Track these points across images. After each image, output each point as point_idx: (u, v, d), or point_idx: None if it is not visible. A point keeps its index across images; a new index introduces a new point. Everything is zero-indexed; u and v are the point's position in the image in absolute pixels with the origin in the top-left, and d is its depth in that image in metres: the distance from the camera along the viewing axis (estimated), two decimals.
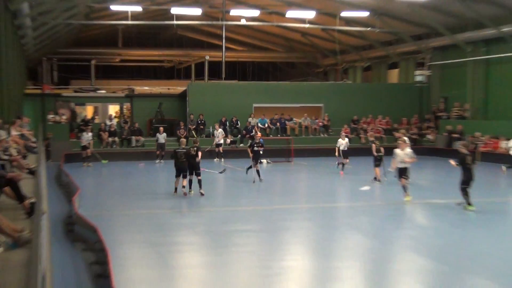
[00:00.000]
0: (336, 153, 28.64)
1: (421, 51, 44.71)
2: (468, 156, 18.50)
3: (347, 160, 28.48)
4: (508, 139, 31.37)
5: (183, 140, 23.73)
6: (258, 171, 25.18)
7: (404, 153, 20.41)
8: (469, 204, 18.08)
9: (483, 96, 39.89)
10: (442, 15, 38.79)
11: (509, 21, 35.79)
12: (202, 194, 20.96)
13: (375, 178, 25.53)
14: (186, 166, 20.83)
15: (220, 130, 36.95)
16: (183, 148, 21.20)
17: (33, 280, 4.61)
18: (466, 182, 18.15)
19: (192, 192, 21.36)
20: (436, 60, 44.05)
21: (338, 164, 28.82)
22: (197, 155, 21.74)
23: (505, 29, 35.73)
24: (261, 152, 25.87)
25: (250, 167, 26.01)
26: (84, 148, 32.88)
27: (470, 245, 14.64)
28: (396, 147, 20.77)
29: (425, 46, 43.81)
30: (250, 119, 40.35)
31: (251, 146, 25.72)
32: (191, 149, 21.04)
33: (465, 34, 39.29)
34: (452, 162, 19.24)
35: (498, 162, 33.25)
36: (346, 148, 29.18)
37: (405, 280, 11.77)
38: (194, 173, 21.30)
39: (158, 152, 34.84)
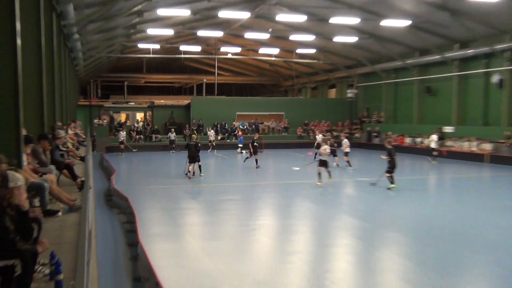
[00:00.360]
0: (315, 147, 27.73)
1: (350, 76, 45.01)
2: (392, 150, 18.06)
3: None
4: (429, 136, 31.62)
5: (194, 136, 23.18)
6: (256, 160, 24.67)
7: (323, 148, 19.25)
8: (392, 183, 17.45)
9: (392, 107, 40.33)
10: (365, 51, 39.06)
11: (411, 56, 36.16)
12: (201, 176, 20.86)
13: (337, 165, 24.65)
14: (196, 154, 20.49)
15: (212, 131, 37.48)
16: (194, 142, 20.84)
17: (82, 234, 4.60)
18: (391, 168, 17.63)
19: (201, 174, 21.07)
20: (361, 82, 44.43)
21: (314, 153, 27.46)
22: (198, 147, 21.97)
23: (408, 61, 36.16)
24: (256, 145, 24.96)
25: (247, 157, 26.01)
26: (121, 143, 33.25)
27: (385, 209, 14.63)
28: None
29: (353, 72, 44.11)
30: (234, 123, 41.05)
31: (252, 142, 24.94)
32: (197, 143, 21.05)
33: (380, 65, 39.69)
34: (383, 156, 18.49)
35: (404, 152, 33.71)
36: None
37: (340, 234, 11.77)
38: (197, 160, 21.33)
39: (171, 145, 35.18)
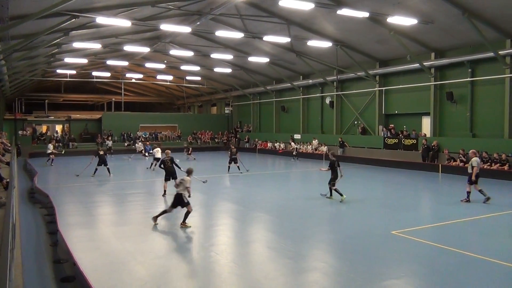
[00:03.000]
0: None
1: (227, 97, 45.45)
2: (336, 161, 13.60)
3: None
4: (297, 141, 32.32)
5: (168, 151, 15.43)
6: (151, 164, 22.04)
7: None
8: (341, 195, 13.19)
9: (258, 120, 41.40)
10: (237, 79, 39.78)
11: (270, 83, 37.33)
12: (109, 174, 19.50)
13: (238, 168, 21.12)
14: (173, 170, 14.63)
15: (110, 140, 35.35)
16: (169, 157, 14.84)
17: (6, 226, 4.18)
18: (333, 179, 13.49)
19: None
20: (235, 102, 45.02)
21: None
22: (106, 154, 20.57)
23: (268, 87, 37.22)
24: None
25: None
26: (50, 154, 26.73)
27: (254, 196, 14.81)
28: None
29: (229, 95, 44.61)
30: (138, 132, 39.49)
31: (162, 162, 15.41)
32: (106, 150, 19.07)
33: (248, 90, 40.58)
34: (323, 168, 14.74)
35: (266, 154, 34.67)
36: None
37: (221, 216, 11.73)
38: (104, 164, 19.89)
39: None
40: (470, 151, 13.90)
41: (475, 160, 13.18)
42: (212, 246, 8.41)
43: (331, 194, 13.75)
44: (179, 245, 8.57)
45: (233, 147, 22.98)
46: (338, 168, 13.56)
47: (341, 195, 13.22)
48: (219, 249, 8.19)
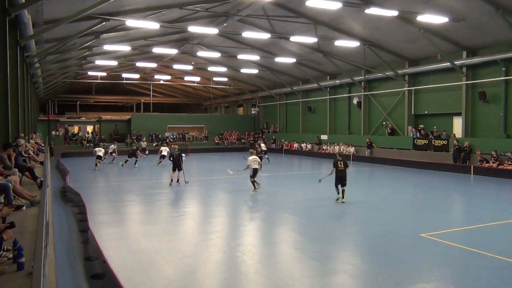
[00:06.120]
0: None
1: (254, 98, 45.55)
2: (340, 161, 13.24)
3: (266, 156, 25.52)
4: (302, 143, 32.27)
5: (176, 146, 18.90)
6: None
7: (252, 158, 15.36)
8: (338, 193, 13.17)
9: (284, 121, 41.30)
10: (264, 80, 39.80)
11: (296, 84, 37.25)
12: (186, 182, 17.47)
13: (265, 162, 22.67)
14: (180, 163, 16.97)
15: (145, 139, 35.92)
16: (178, 152, 17.31)
17: (41, 224, 4.33)
18: (338, 179, 13.15)
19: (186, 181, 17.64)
20: (261, 103, 45.05)
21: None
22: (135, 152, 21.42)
23: (295, 87, 37.19)
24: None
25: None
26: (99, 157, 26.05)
27: (280, 197, 14.50)
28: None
29: (256, 95, 44.73)
30: (166, 133, 40.03)
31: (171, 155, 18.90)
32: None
33: (275, 90, 40.54)
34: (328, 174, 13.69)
35: (293, 154, 34.60)
36: (265, 148, 26.96)
37: (248, 216, 11.72)
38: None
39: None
40: None
41: None
42: (239, 246, 8.45)
43: (341, 195, 13.14)
44: (205, 245, 8.65)
45: (257, 146, 24.38)
46: (344, 168, 13.08)
47: (339, 193, 13.09)
48: (245, 249, 8.22)
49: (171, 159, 17.37)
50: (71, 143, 36.25)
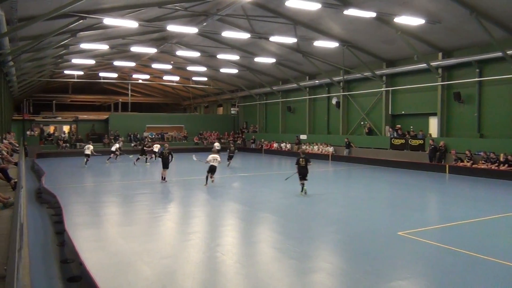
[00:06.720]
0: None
1: (233, 98, 45.52)
2: (302, 158, 14.38)
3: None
4: (281, 142, 32.39)
5: (166, 145, 19.46)
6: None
7: (212, 156, 16.52)
8: (302, 190, 14.26)
9: (264, 121, 41.39)
10: (243, 80, 39.81)
11: (276, 84, 37.38)
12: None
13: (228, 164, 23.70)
14: (168, 161, 17.81)
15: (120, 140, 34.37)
16: (167, 150, 18.17)
17: (14, 226, 4.22)
18: (300, 175, 14.37)
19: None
20: (241, 103, 45.07)
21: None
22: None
23: (274, 87, 37.33)
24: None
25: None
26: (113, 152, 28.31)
27: (259, 196, 14.74)
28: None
29: (235, 95, 44.72)
30: (144, 133, 39.63)
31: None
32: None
33: (255, 90, 40.60)
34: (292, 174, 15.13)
35: (273, 154, 34.72)
36: (219, 148, 25.49)
37: (227, 216, 11.67)
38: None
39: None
40: None
41: None
42: (218, 247, 8.42)
43: (302, 189, 14.23)
44: (185, 246, 8.60)
45: (232, 145, 26.09)
46: (305, 164, 14.21)
47: (303, 190, 14.15)
48: (224, 250, 8.20)
49: (161, 157, 18.26)
50: (46, 143, 35.49)
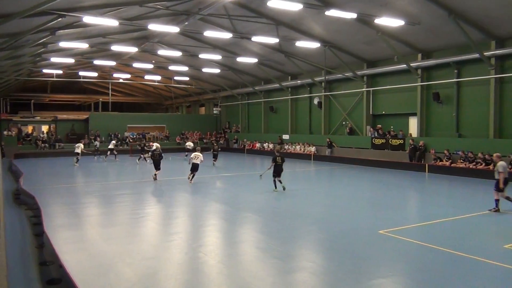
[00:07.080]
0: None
1: (216, 98, 45.35)
2: (278, 157, 15.18)
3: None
4: (263, 142, 32.41)
5: (158, 145, 20.05)
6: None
7: (195, 154, 17.40)
8: (276, 187, 15.32)
9: (246, 120, 41.37)
10: (226, 80, 39.71)
11: (258, 84, 37.41)
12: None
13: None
14: (159, 162, 18.32)
15: (98, 139, 34.98)
16: (158, 151, 18.66)
17: None
18: (275, 173, 15.25)
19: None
20: (223, 102, 44.96)
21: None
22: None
23: (257, 87, 37.34)
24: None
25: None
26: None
27: (242, 196, 14.70)
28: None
29: (218, 95, 44.57)
30: (125, 133, 39.24)
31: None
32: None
33: (237, 90, 40.56)
34: (266, 169, 15.86)
35: (256, 154, 34.69)
36: (190, 148, 29.15)
37: (210, 216, 11.66)
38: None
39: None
40: (494, 154, 12.21)
41: (500, 165, 11.44)
42: (200, 247, 8.38)
43: (280, 186, 15.13)
44: (167, 246, 8.53)
45: (215, 144, 27.15)
46: (281, 162, 15.14)
47: (276, 187, 15.13)
48: (207, 250, 8.17)
49: (152, 157, 18.86)
50: (24, 143, 34.76)
